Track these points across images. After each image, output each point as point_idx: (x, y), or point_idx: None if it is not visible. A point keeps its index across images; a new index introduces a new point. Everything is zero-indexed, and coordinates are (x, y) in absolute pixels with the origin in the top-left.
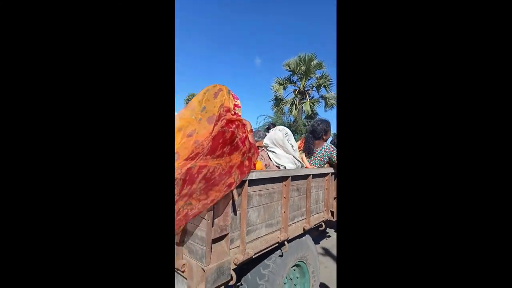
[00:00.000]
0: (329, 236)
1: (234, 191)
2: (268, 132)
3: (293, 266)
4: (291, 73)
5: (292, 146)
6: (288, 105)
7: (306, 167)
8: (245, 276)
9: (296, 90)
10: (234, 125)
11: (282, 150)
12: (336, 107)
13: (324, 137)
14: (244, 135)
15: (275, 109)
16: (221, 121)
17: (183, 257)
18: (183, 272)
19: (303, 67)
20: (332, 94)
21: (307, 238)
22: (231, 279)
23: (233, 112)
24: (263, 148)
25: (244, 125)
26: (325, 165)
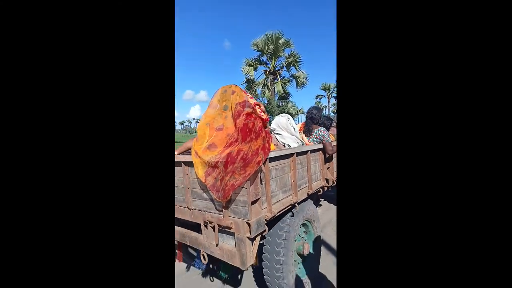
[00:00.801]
0: (320, 205)
1: (262, 166)
2: None
3: (301, 226)
4: (260, 53)
5: (294, 128)
6: (260, 87)
7: (306, 144)
8: (269, 232)
9: (266, 70)
10: (253, 117)
11: (286, 132)
12: (305, 86)
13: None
14: (261, 124)
15: (248, 92)
16: (242, 115)
17: (228, 218)
18: (230, 229)
19: (271, 46)
20: (302, 72)
21: (310, 202)
22: (265, 230)
23: (251, 109)
24: (270, 131)
25: (261, 118)
26: (320, 143)
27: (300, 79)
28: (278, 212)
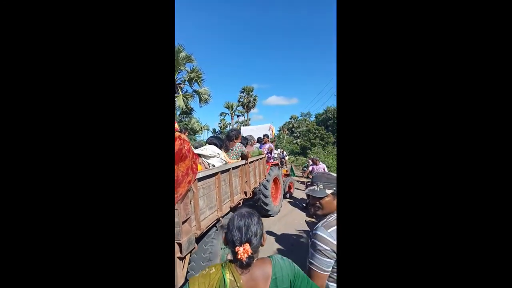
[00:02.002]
0: None
1: (192, 186)
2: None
3: None
4: None
5: (218, 153)
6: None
7: (228, 162)
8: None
9: None
10: (181, 140)
11: (210, 151)
12: (209, 103)
13: (236, 140)
14: (188, 146)
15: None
16: (176, 140)
17: None
18: None
19: None
20: (205, 88)
21: (232, 214)
22: (195, 247)
23: (178, 132)
24: (198, 153)
25: (186, 141)
26: (239, 159)
27: (203, 95)
28: (206, 228)
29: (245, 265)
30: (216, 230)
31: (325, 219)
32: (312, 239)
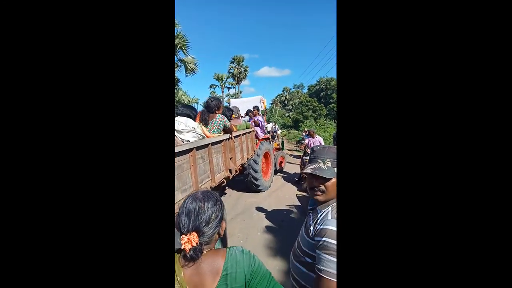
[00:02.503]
0: (225, 193)
1: None
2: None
3: None
4: None
5: (194, 127)
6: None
7: (207, 137)
8: None
9: None
10: None
11: (184, 126)
12: (196, 73)
13: (217, 111)
14: None
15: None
16: None
17: None
18: None
19: None
20: (191, 57)
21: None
22: None
23: None
24: None
25: None
26: (221, 132)
27: (190, 64)
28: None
29: (188, 258)
30: None
31: (329, 207)
32: (323, 239)
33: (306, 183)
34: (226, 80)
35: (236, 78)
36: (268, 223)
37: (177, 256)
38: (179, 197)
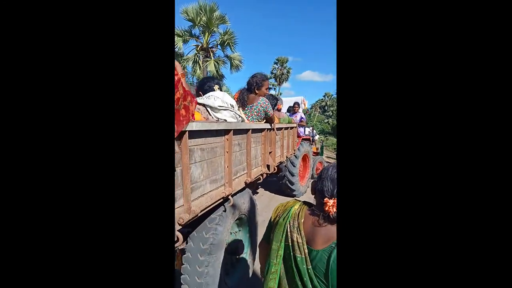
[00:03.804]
0: (257, 192)
1: (177, 144)
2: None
3: (236, 220)
4: (191, 24)
5: (232, 105)
6: (191, 63)
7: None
8: (191, 234)
9: (198, 46)
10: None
11: (221, 102)
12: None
13: (257, 91)
14: (176, 78)
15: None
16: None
17: None
18: None
19: (204, 18)
20: (237, 54)
21: (247, 192)
22: (177, 240)
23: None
24: (202, 103)
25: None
26: (262, 121)
27: (235, 61)
28: (202, 211)
29: (329, 220)
30: (224, 212)
31: None
32: None
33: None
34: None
35: (278, 79)
36: None
37: (305, 208)
38: (207, 188)
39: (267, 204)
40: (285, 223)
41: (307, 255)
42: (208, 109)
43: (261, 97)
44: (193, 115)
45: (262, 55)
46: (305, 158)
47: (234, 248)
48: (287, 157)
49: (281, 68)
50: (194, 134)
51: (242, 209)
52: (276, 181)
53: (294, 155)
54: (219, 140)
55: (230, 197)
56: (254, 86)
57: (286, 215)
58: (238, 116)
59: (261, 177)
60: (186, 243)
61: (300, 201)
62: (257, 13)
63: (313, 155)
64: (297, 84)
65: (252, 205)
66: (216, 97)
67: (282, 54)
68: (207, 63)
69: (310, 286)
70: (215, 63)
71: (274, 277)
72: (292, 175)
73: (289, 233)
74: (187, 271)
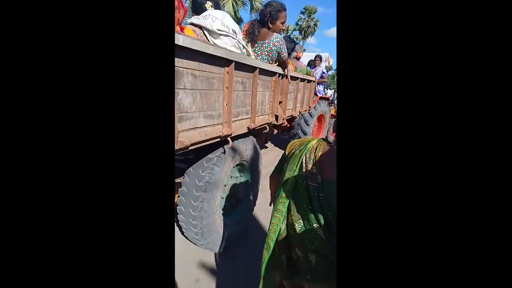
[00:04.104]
0: (266, 147)
1: None
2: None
3: (237, 165)
4: None
5: (235, 31)
6: (205, 3)
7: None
8: (187, 170)
9: None
10: None
11: (221, 24)
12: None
13: (271, 25)
14: None
15: (189, 7)
16: None
17: None
18: None
19: None
20: None
21: (251, 139)
22: None
23: None
24: (197, 24)
25: None
26: (274, 63)
27: (256, 2)
28: (193, 145)
29: None
30: (223, 154)
31: None
32: None
33: None
34: (292, 32)
35: (303, 32)
36: None
37: (323, 144)
38: (201, 122)
39: (275, 159)
40: (301, 155)
41: (320, 184)
42: (205, 32)
43: (275, 33)
44: (182, 28)
45: (288, 0)
46: (320, 118)
47: (234, 192)
48: (300, 113)
49: (308, 20)
50: (182, 52)
51: (244, 155)
52: (287, 139)
53: (309, 113)
54: (217, 71)
55: (229, 138)
56: (268, 17)
57: (304, 147)
58: (242, 47)
59: (267, 127)
60: (183, 178)
61: (318, 138)
62: None
63: (330, 117)
64: (324, 40)
65: (256, 153)
66: (215, 18)
67: (310, 3)
68: (225, 2)
69: (320, 211)
70: (233, 2)
71: (283, 201)
72: (305, 133)
73: (304, 164)
74: (182, 203)
